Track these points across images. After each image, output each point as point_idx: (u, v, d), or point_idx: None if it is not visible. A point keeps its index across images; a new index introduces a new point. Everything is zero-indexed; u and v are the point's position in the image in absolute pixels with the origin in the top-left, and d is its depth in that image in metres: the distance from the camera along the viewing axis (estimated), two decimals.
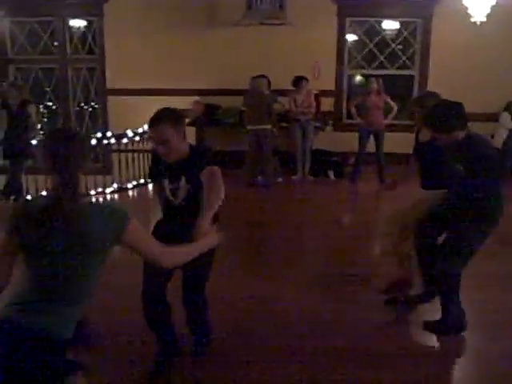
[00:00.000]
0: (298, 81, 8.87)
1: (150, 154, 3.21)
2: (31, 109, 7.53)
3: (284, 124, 9.13)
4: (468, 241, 3.61)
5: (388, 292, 4.26)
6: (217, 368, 3.32)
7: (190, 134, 9.72)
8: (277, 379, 3.20)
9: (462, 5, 8.74)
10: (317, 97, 9.40)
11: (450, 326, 3.75)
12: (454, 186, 3.72)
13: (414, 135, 4.38)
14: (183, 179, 3.01)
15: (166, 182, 3.06)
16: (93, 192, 8.14)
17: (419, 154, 4.23)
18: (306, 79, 8.93)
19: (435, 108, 3.68)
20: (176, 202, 3.06)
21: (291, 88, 8.96)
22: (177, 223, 3.05)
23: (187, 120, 9.84)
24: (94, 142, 8.23)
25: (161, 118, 2.87)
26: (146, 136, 8.61)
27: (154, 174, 3.17)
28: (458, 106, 3.57)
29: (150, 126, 2.90)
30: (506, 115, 9.46)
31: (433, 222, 3.90)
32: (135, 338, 3.57)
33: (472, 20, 8.81)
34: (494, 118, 9.25)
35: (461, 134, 3.55)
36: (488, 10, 8.70)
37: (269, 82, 8.71)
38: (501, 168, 3.67)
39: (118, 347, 3.50)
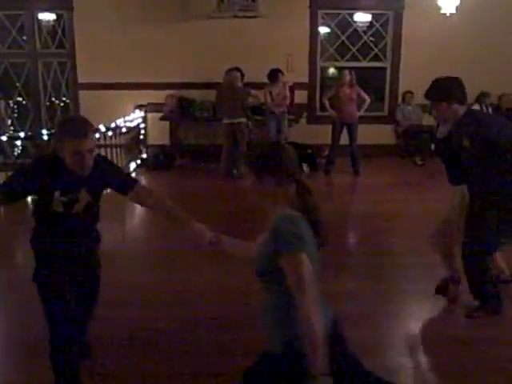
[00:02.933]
0: (274, 74, 8.88)
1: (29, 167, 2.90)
2: (0, 104, 7.41)
3: (258, 117, 9.13)
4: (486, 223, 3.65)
5: (441, 292, 4.25)
6: (205, 360, 3.34)
7: (165, 128, 9.75)
8: None
9: None
10: (291, 89, 9.41)
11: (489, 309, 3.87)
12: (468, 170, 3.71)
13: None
14: (83, 190, 2.89)
15: (58, 194, 2.83)
16: None
17: (438, 151, 4.20)
18: (282, 72, 8.94)
19: (436, 79, 3.74)
20: (71, 212, 2.91)
21: (265, 81, 8.94)
22: (72, 234, 2.97)
23: (161, 114, 9.83)
24: None
25: (88, 128, 2.77)
26: (118, 130, 8.53)
27: (48, 186, 2.83)
28: (457, 79, 3.66)
29: (79, 138, 2.70)
30: (476, 108, 9.58)
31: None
32: None
33: (442, 12, 8.92)
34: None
35: (461, 110, 3.61)
36: (457, 2, 8.82)
37: (242, 75, 8.70)
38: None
39: None
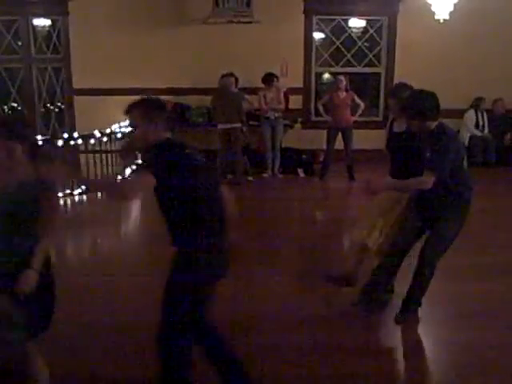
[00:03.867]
0: (268, 78, 8.91)
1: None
2: None
3: (253, 122, 9.14)
4: (449, 233, 3.74)
5: (332, 281, 4.38)
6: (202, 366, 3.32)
7: None
8: (262, 375, 3.22)
9: (426, 2, 8.89)
10: (285, 94, 9.44)
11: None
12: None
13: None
14: None
15: None
16: (60, 194, 8.01)
17: (392, 145, 4.28)
18: (276, 76, 8.98)
19: (413, 95, 3.78)
20: None
21: (259, 86, 8.98)
22: None
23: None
24: (60, 143, 8.11)
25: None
26: (113, 136, 8.51)
27: None
28: (434, 96, 3.69)
29: None
30: (471, 113, 9.62)
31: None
32: None
33: (436, 17, 8.96)
34: (458, 114, 9.42)
35: (433, 124, 3.67)
36: (451, 8, 8.86)
37: (236, 80, 8.72)
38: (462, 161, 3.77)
39: None
